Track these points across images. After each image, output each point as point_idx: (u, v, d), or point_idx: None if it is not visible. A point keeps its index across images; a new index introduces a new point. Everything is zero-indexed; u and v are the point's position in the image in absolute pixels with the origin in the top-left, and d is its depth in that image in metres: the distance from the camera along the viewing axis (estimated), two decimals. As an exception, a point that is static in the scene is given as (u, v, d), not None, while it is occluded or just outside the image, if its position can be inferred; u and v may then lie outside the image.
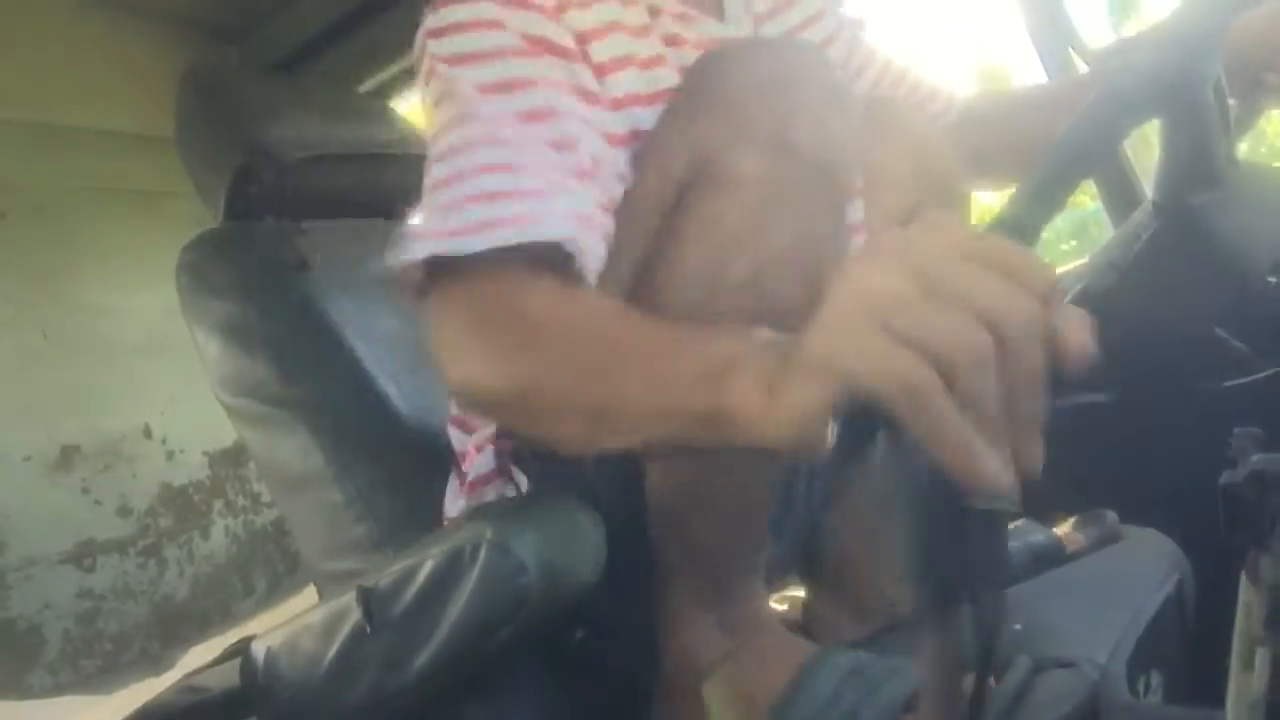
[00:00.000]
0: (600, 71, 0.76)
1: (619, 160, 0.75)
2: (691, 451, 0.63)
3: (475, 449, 0.84)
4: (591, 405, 0.59)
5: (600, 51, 0.76)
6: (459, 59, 0.73)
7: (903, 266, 0.42)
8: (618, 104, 0.76)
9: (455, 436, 0.89)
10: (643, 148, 0.75)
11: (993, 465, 0.40)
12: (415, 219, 0.69)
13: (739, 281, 0.69)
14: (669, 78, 0.79)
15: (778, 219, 0.69)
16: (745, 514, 0.77)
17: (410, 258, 0.66)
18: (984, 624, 0.46)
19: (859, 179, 0.75)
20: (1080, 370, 0.43)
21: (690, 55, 0.78)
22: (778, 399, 0.47)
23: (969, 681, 0.49)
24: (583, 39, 0.76)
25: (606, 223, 0.72)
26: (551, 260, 0.66)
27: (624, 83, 0.77)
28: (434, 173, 0.70)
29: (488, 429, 0.83)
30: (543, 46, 0.74)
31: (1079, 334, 0.43)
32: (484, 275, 0.65)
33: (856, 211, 0.84)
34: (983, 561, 0.45)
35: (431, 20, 0.76)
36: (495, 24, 0.73)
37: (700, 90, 0.72)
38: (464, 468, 0.87)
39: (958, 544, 0.45)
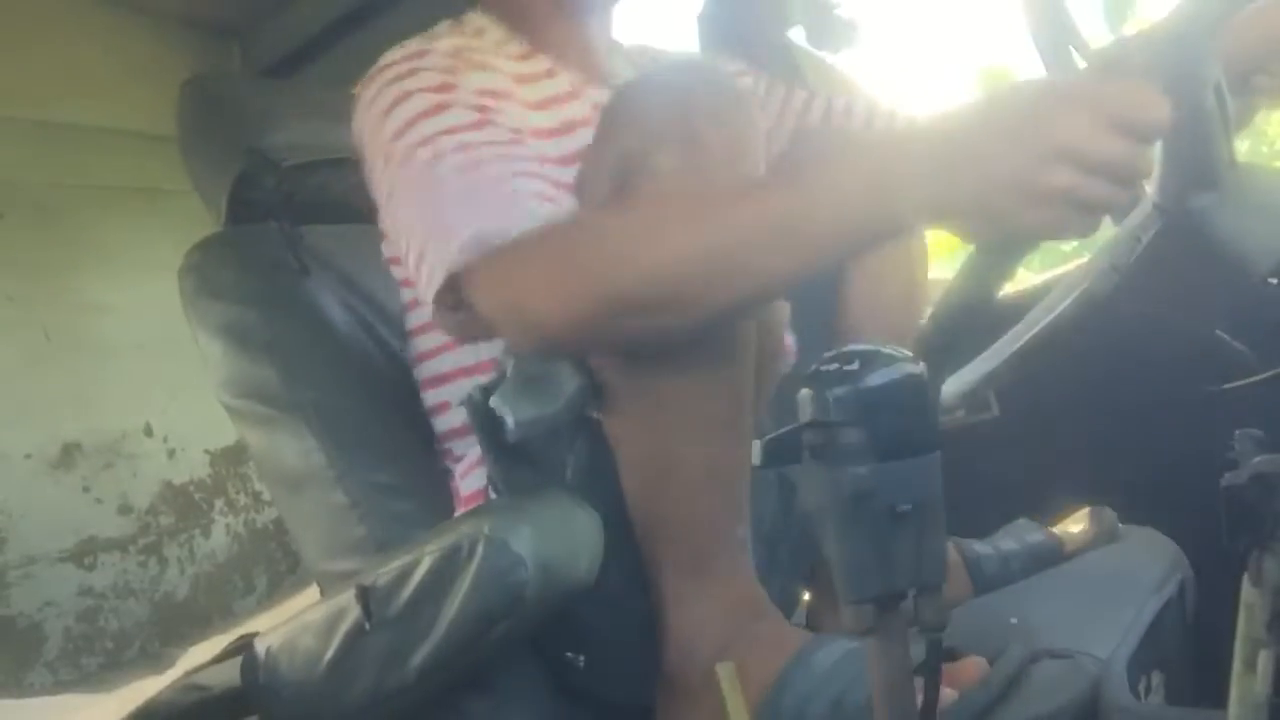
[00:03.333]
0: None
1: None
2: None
3: (461, 475, 0.90)
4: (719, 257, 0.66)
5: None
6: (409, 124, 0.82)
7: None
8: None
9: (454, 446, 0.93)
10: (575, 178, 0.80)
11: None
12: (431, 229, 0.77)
13: None
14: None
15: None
16: (716, 479, 0.78)
17: (454, 263, 0.74)
18: (926, 624, 0.47)
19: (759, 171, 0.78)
20: None
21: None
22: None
23: (919, 683, 0.49)
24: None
25: None
26: None
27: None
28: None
29: (472, 453, 0.88)
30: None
31: None
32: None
33: None
34: (918, 563, 0.46)
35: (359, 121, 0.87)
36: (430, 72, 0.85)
37: (612, 118, 0.77)
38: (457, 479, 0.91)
39: (891, 548, 0.45)
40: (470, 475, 0.90)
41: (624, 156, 0.74)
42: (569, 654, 0.80)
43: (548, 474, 0.78)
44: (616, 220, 0.72)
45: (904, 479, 0.46)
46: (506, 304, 0.73)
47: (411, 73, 0.84)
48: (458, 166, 0.78)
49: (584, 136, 0.81)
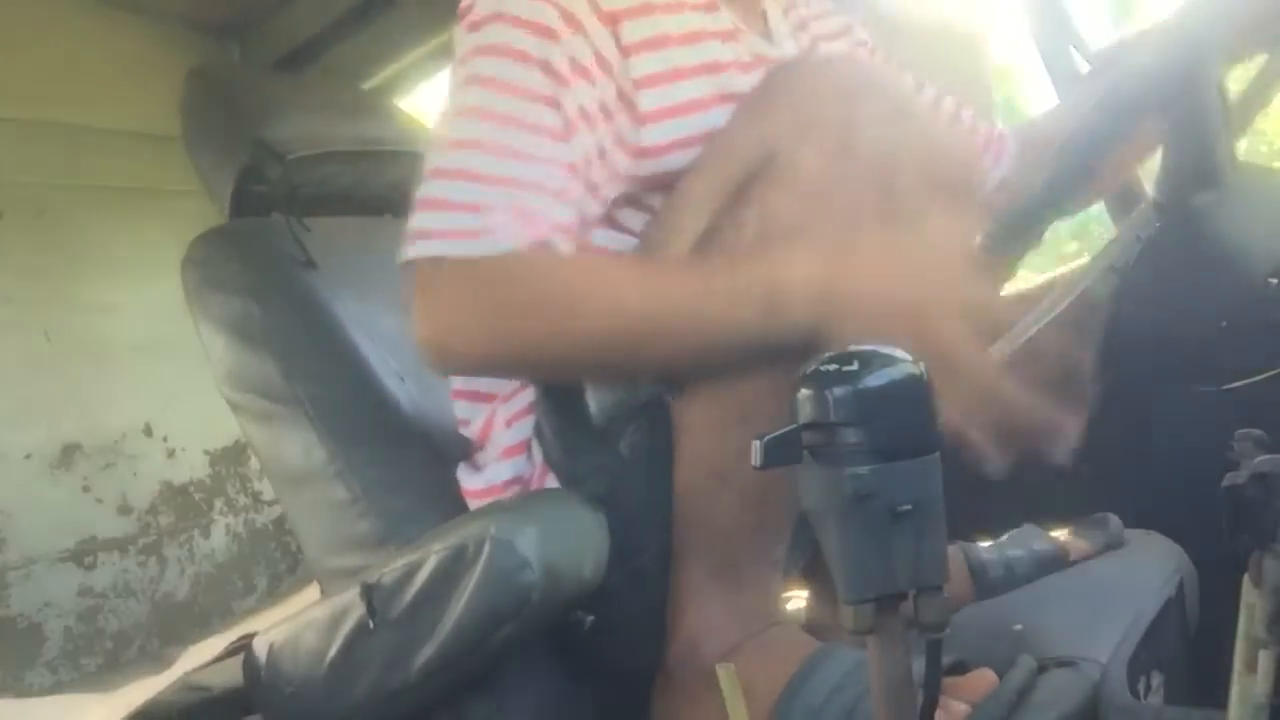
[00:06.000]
0: (627, 52, 0.80)
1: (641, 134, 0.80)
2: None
3: (506, 423, 0.87)
4: (628, 338, 0.70)
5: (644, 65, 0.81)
6: (492, 50, 0.77)
7: None
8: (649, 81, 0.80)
9: (464, 408, 0.91)
10: (710, 141, 0.79)
11: None
12: (417, 208, 0.74)
13: None
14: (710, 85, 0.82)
15: (829, 216, 0.72)
16: (769, 499, 0.77)
17: (413, 255, 0.73)
18: (927, 625, 0.47)
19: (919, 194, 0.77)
20: None
21: (737, 71, 0.83)
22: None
23: (919, 684, 0.49)
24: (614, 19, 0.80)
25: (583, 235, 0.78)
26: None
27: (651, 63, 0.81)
28: (441, 161, 0.75)
29: (515, 403, 0.86)
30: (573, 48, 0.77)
31: None
32: (482, 261, 0.72)
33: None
34: (918, 563, 0.46)
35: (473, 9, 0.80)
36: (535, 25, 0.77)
37: (772, 93, 0.76)
38: (480, 438, 0.88)
39: (890, 549, 0.45)
40: (516, 425, 0.87)
41: (767, 142, 0.74)
42: (577, 611, 0.78)
43: (602, 441, 0.78)
44: (542, 275, 0.72)
45: (904, 479, 0.46)
46: (427, 321, 0.74)
47: None
48: (477, 147, 0.74)
49: (728, 82, 0.81)
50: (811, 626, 1.02)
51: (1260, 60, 0.92)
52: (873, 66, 0.81)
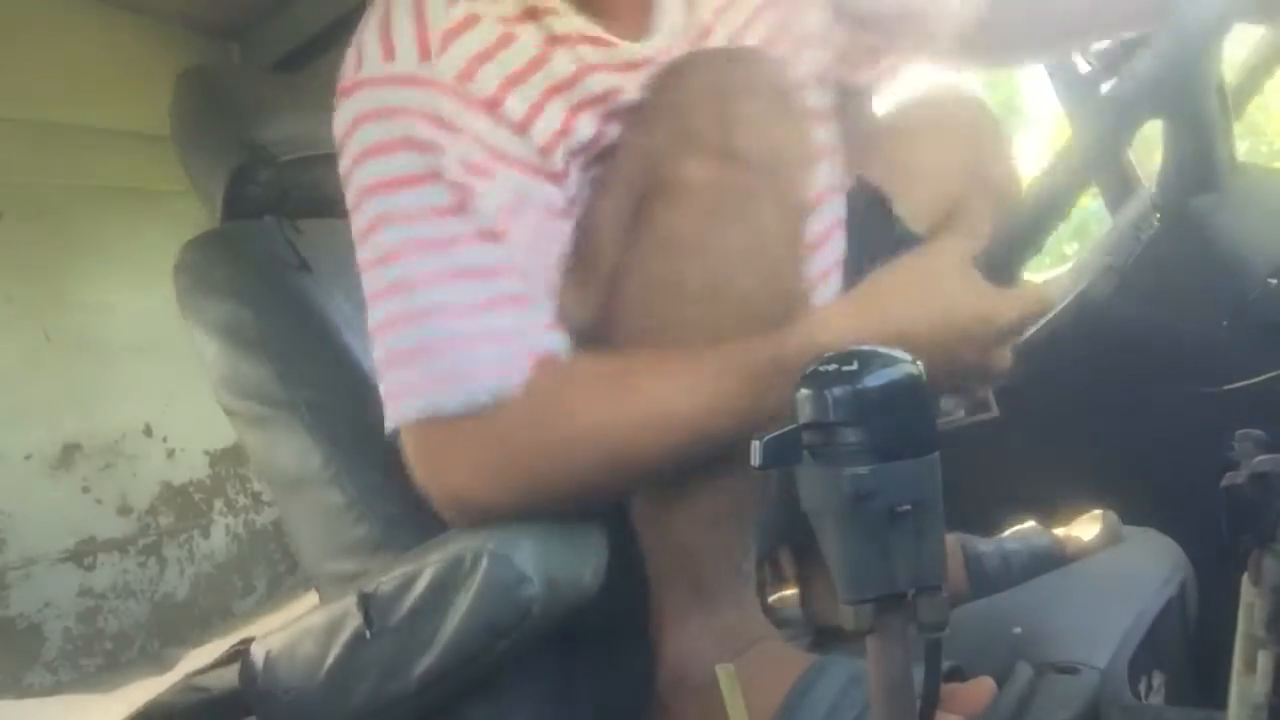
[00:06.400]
0: (520, 127, 0.74)
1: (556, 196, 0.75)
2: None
3: None
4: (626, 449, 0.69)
5: (515, 110, 0.74)
6: (380, 187, 0.73)
7: None
8: (546, 150, 0.74)
9: None
10: (606, 165, 0.76)
11: None
12: (382, 368, 0.73)
13: (696, 290, 0.71)
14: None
15: (727, 227, 0.70)
16: (729, 515, 0.77)
17: (402, 418, 0.72)
18: (926, 625, 0.47)
19: (810, 185, 0.76)
20: None
21: (599, 79, 0.76)
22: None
23: (918, 682, 0.49)
24: (492, 103, 0.73)
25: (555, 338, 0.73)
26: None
27: (546, 126, 0.74)
28: (387, 311, 0.73)
29: None
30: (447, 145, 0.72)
31: None
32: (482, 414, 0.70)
33: (819, 219, 0.85)
34: (918, 563, 0.46)
35: (343, 112, 0.76)
36: (399, 113, 0.72)
37: (653, 102, 0.73)
38: None
39: (890, 549, 0.45)
40: None
41: (651, 156, 0.72)
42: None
43: None
44: (533, 409, 0.70)
45: (904, 479, 0.46)
46: (436, 482, 0.73)
47: (396, 112, 0.72)
48: (416, 301, 0.71)
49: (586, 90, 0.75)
50: (808, 614, 1.02)
51: (1256, 44, 0.92)
52: (758, 60, 0.76)
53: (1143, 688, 0.81)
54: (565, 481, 0.70)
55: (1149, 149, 1.25)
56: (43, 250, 1.63)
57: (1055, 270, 1.43)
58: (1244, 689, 0.55)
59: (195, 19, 1.76)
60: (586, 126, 0.75)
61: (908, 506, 0.46)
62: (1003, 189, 0.98)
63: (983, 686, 0.72)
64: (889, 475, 0.46)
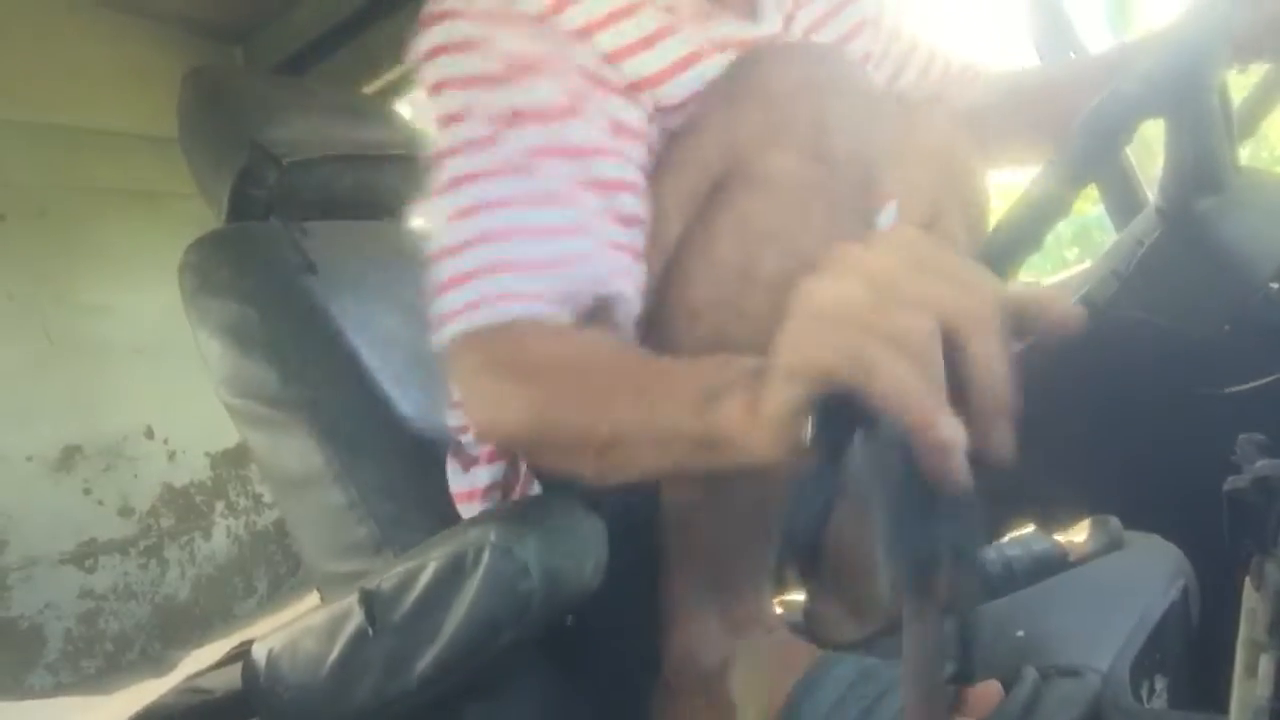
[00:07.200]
0: (611, 59, 0.76)
1: (635, 151, 0.76)
2: (692, 475, 0.67)
3: (487, 459, 0.85)
4: (598, 439, 0.63)
5: (606, 41, 0.76)
6: (465, 81, 0.74)
7: (858, 276, 0.45)
8: (634, 88, 0.76)
9: (460, 415, 0.89)
10: (678, 139, 0.76)
11: (948, 432, 0.42)
12: (437, 283, 0.71)
13: (767, 279, 0.70)
14: (693, 77, 0.78)
15: (807, 220, 0.71)
16: (757, 511, 0.77)
17: (445, 336, 0.70)
18: (962, 598, 0.47)
19: (890, 187, 0.76)
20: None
21: (719, 56, 0.78)
22: (758, 412, 0.50)
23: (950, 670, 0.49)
24: (585, 32, 0.76)
25: (638, 270, 0.73)
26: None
27: (640, 66, 0.77)
28: (449, 232, 0.71)
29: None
30: (539, 63, 0.74)
31: (1056, 310, 0.46)
32: (499, 328, 0.68)
33: (888, 218, 0.85)
34: (960, 534, 0.46)
35: (424, 41, 0.77)
36: (480, 44, 0.74)
37: (739, 89, 0.73)
38: (474, 460, 0.87)
39: (929, 527, 0.45)
40: (493, 466, 0.86)
41: (737, 144, 0.72)
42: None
43: None
44: (552, 352, 0.68)
45: None
46: (468, 403, 0.74)
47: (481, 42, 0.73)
48: (494, 209, 0.71)
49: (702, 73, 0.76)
50: (809, 627, 1.02)
51: (1262, 69, 0.92)
52: (848, 61, 0.78)
53: (1145, 692, 0.81)
54: (545, 436, 0.68)
55: (1150, 153, 1.25)
56: (45, 252, 1.63)
57: (1056, 276, 1.43)
58: (1246, 694, 0.55)
59: (199, 22, 1.76)
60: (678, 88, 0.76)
61: None
62: (976, 207, 0.98)
63: (990, 689, 0.72)
64: None
